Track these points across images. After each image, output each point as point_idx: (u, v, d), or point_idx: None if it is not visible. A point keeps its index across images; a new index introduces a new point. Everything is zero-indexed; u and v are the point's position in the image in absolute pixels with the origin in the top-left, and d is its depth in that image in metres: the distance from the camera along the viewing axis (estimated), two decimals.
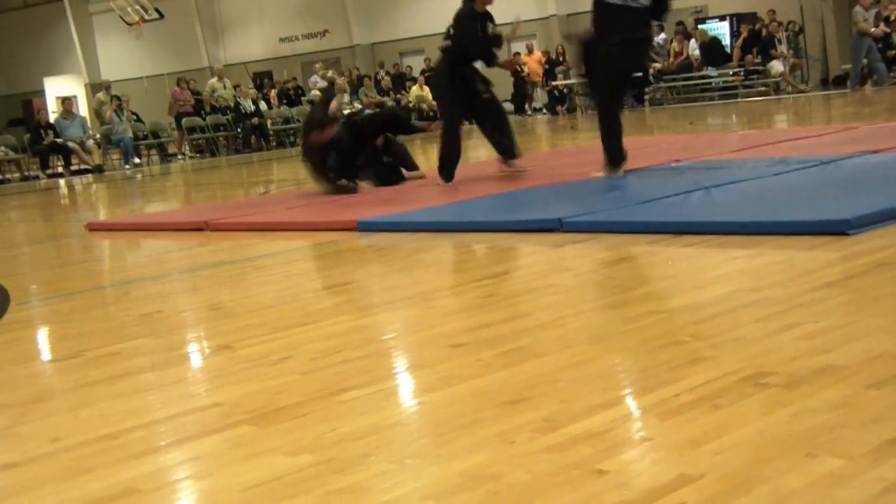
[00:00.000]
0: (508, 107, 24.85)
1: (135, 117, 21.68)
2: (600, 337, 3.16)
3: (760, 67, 21.20)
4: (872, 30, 18.34)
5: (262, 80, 27.54)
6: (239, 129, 21.26)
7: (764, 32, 21.17)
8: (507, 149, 8.20)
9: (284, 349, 3.37)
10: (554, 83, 23.58)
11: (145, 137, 21.66)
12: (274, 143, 21.56)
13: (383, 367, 3.12)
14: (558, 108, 23.14)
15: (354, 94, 22.95)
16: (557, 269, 4.50)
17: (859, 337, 2.78)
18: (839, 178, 5.85)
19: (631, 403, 2.50)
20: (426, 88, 23.15)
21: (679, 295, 3.66)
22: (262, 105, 22.41)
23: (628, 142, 7.04)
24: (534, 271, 4.49)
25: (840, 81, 20.43)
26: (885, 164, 6.21)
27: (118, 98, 21.12)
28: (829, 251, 4.04)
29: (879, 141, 7.44)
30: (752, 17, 22.18)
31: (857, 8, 18.38)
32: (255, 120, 21.25)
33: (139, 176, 17.54)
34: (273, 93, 24.66)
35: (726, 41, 22.33)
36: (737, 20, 22.25)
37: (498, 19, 8.16)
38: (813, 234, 4.30)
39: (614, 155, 6.88)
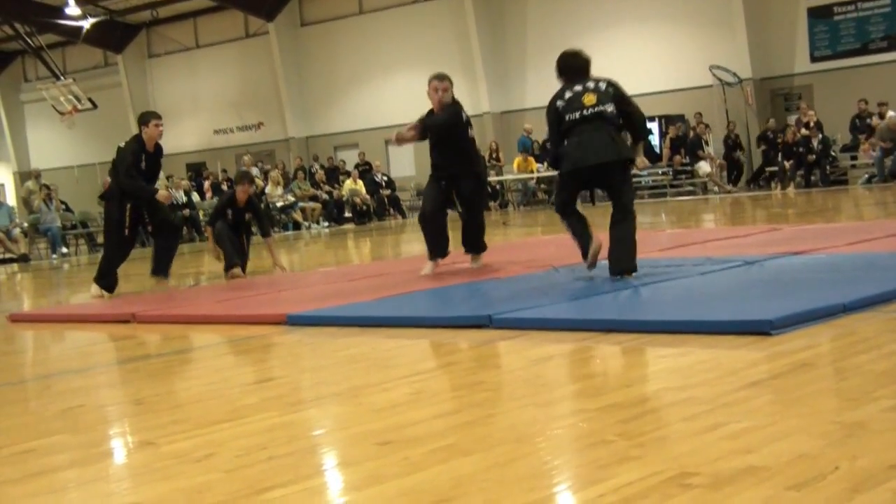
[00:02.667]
0: None
1: (63, 206, 21.48)
2: (528, 435, 3.15)
3: (688, 168, 21.70)
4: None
5: (196, 171, 27.52)
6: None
7: (691, 134, 21.73)
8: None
9: (208, 446, 3.32)
10: (489, 179, 23.82)
11: (73, 227, 21.44)
12: (206, 236, 21.43)
13: (309, 464, 3.07)
14: (491, 203, 23.38)
15: (287, 187, 23.00)
16: (486, 366, 4.50)
17: (782, 437, 2.81)
18: (763, 279, 5.97)
19: (557, 503, 2.49)
20: (360, 182, 23.30)
21: (607, 393, 3.67)
22: (195, 196, 22.35)
23: (557, 240, 7.10)
24: (463, 368, 4.49)
25: (767, 180, 20.97)
26: (806, 266, 6.35)
27: (47, 187, 20.94)
28: (753, 350, 4.10)
29: (801, 242, 7.62)
30: (680, 119, 22.77)
31: None
32: (187, 211, 21.16)
33: (66, 266, 17.30)
34: (206, 184, 24.63)
35: (656, 141, 22.86)
36: (665, 121, 22.82)
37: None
38: (738, 334, 4.37)
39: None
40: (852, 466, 2.46)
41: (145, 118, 9.19)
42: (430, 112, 8.29)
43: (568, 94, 6.68)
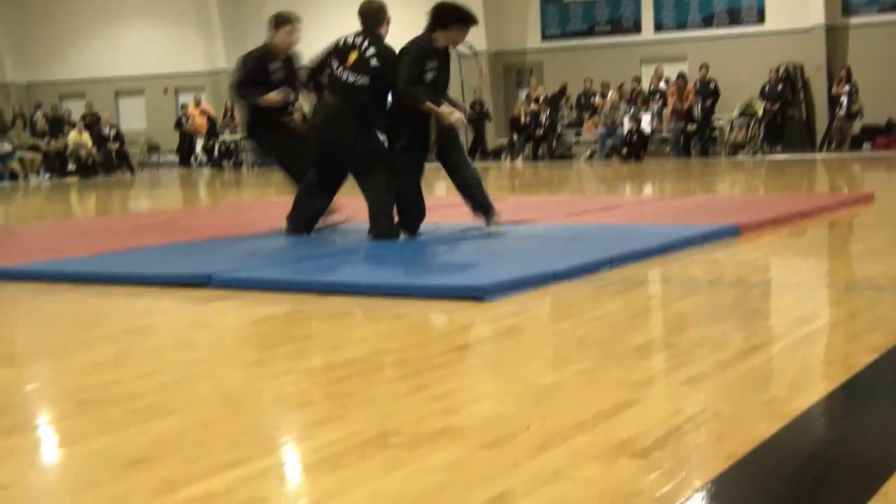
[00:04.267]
0: (174, 158, 24.44)
1: None
2: (235, 396, 3.11)
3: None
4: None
5: None
6: None
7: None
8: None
9: None
10: (222, 138, 23.37)
11: None
12: None
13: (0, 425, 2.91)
14: (224, 163, 22.95)
15: (4, 135, 21.67)
16: (200, 324, 4.41)
17: (481, 399, 2.90)
18: (481, 246, 6.15)
19: (256, 464, 2.45)
20: (85, 133, 22.26)
21: (317, 355, 3.68)
22: None
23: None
24: (175, 327, 4.38)
25: (497, 154, 21.59)
26: (524, 235, 6.59)
27: None
28: (465, 316, 4.21)
29: (522, 212, 7.90)
30: None
31: None
32: None
33: None
34: None
35: None
36: None
37: None
38: (453, 299, 4.47)
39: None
40: (542, 425, 2.57)
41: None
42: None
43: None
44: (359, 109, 6.52)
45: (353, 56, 6.53)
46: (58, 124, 23.42)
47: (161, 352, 3.81)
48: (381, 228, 6.50)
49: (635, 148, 19.17)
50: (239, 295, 4.87)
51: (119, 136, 23.05)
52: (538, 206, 8.63)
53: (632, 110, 19.68)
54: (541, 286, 4.74)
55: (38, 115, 23.30)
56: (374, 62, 6.49)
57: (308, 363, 3.52)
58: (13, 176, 20.84)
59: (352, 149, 6.56)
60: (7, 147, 21.15)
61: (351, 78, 6.52)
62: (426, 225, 6.84)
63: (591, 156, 20.20)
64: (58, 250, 6.61)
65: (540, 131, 20.81)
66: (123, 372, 3.42)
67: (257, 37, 27.96)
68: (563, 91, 21.40)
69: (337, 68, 6.56)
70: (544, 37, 22.75)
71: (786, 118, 19.50)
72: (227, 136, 23.36)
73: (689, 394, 2.86)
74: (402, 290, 4.72)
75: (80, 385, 3.29)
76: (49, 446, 2.69)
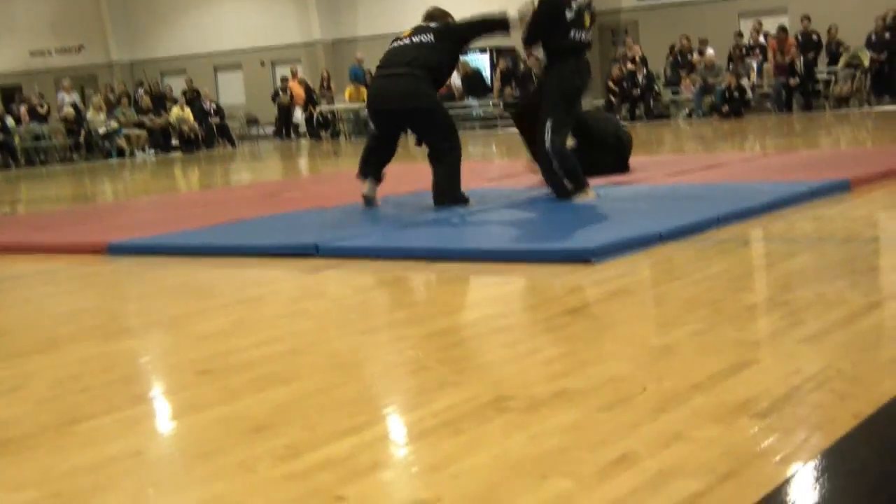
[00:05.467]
0: (273, 131, 24.74)
1: None
2: (349, 363, 3.16)
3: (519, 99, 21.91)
4: None
5: (10, 95, 26.22)
6: None
7: (522, 67, 21.94)
8: None
9: (17, 377, 3.20)
10: (318, 108, 23.58)
11: None
12: (22, 161, 20.58)
13: (124, 394, 2.99)
14: (322, 133, 23.17)
15: (111, 113, 22.20)
16: (311, 294, 4.48)
17: (595, 362, 2.90)
18: (586, 208, 6.11)
19: (375, 429, 2.50)
20: (187, 109, 22.67)
21: (429, 321, 3.70)
22: (10, 121, 21.32)
23: (391, 168, 7.05)
24: (287, 297, 4.45)
25: None
26: (628, 196, 6.52)
27: None
28: (574, 279, 4.20)
29: (623, 174, 7.82)
30: (510, 51, 22.94)
31: None
32: (0, 136, 20.23)
33: None
34: (24, 109, 23.53)
35: (487, 73, 23.01)
36: (496, 53, 22.96)
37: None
38: (560, 263, 4.46)
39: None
40: (659, 387, 2.56)
41: None
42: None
43: (574, 5, 6.33)
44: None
45: (587, 18, 6.44)
46: (160, 101, 23.89)
47: (274, 321, 3.89)
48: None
49: (736, 105, 18.79)
50: (346, 263, 4.94)
51: (219, 111, 23.44)
52: (640, 166, 8.51)
53: (731, 66, 19.29)
54: (648, 247, 4.70)
55: (141, 92, 23.79)
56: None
57: (420, 329, 3.56)
58: (120, 153, 21.35)
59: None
60: (114, 125, 21.67)
61: (586, 37, 6.46)
62: (520, 189, 6.81)
63: (689, 114, 19.89)
64: (167, 224, 6.77)
65: (637, 91, 20.54)
66: (240, 341, 3.49)
67: (350, 7, 28.27)
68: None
69: (577, 33, 6.36)
70: None
71: (894, 68, 18.87)
72: (324, 106, 23.56)
73: (807, 353, 2.81)
74: (510, 254, 4.73)
75: (199, 355, 3.37)
76: (174, 415, 2.77)
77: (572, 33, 6.35)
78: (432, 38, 6.64)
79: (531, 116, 6.59)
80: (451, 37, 6.73)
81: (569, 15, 6.32)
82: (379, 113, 6.76)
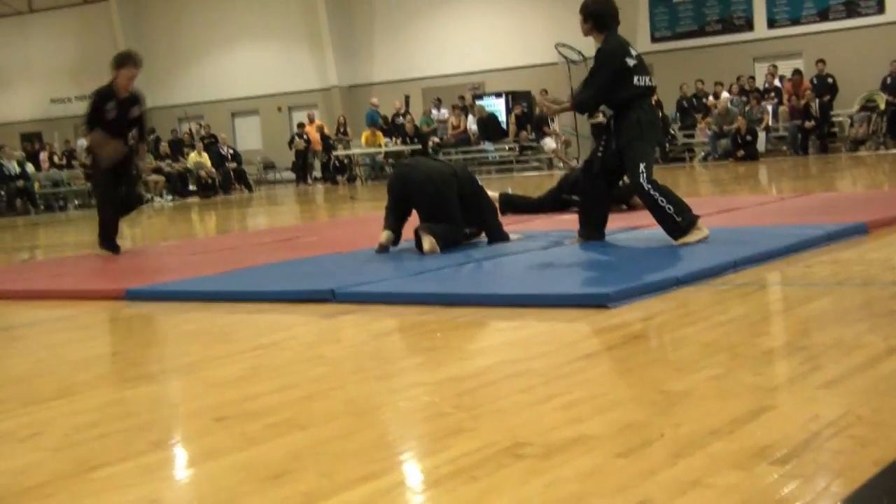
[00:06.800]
0: (289, 176, 24.88)
1: None
2: (366, 409, 3.15)
3: (534, 143, 22.03)
4: None
5: (31, 141, 26.49)
6: (2, 192, 20.37)
7: (537, 111, 22.07)
8: None
9: (35, 425, 3.20)
10: (335, 153, 23.72)
11: None
12: (42, 207, 20.73)
13: (142, 441, 2.99)
14: (338, 177, 23.28)
15: None
16: (327, 340, 4.48)
17: (612, 407, 2.89)
18: (602, 253, 6.11)
19: (391, 476, 2.49)
20: (205, 155, 22.83)
21: (445, 366, 3.70)
22: (30, 167, 21.53)
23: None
24: (303, 342, 4.45)
25: None
26: (644, 240, 6.52)
27: None
28: (590, 323, 4.20)
29: (639, 218, 7.81)
30: (526, 96, 23.08)
31: None
32: (21, 182, 20.41)
33: None
34: (43, 155, 23.78)
35: (502, 117, 23.15)
36: (512, 97, 23.10)
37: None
38: (576, 307, 4.46)
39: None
40: (676, 433, 2.55)
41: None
42: None
43: (634, 53, 6.25)
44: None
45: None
46: (178, 146, 24.09)
47: (291, 367, 3.89)
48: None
49: (750, 148, 18.80)
50: (362, 309, 4.94)
51: (236, 156, 23.60)
52: None
53: (746, 109, 19.33)
54: (664, 291, 4.70)
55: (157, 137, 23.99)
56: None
57: (436, 375, 3.55)
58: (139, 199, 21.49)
59: None
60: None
61: (650, 81, 6.37)
62: (529, 233, 6.80)
63: (705, 157, 19.91)
64: (184, 270, 6.80)
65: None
66: (257, 387, 3.50)
67: (367, 53, 28.46)
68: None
69: (640, 79, 6.24)
70: (654, 39, 22.53)
71: None
72: (340, 151, 23.70)
73: (826, 398, 2.79)
74: (525, 299, 4.73)
75: (216, 401, 3.37)
76: (191, 462, 2.77)
77: (636, 79, 6.19)
78: None
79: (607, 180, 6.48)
80: None
81: (630, 62, 6.17)
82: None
